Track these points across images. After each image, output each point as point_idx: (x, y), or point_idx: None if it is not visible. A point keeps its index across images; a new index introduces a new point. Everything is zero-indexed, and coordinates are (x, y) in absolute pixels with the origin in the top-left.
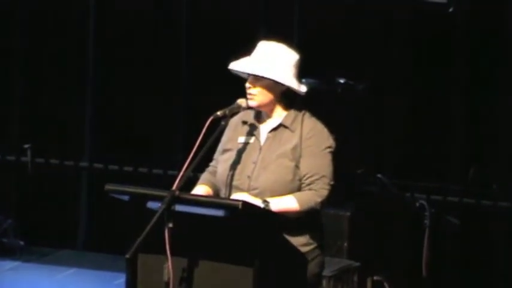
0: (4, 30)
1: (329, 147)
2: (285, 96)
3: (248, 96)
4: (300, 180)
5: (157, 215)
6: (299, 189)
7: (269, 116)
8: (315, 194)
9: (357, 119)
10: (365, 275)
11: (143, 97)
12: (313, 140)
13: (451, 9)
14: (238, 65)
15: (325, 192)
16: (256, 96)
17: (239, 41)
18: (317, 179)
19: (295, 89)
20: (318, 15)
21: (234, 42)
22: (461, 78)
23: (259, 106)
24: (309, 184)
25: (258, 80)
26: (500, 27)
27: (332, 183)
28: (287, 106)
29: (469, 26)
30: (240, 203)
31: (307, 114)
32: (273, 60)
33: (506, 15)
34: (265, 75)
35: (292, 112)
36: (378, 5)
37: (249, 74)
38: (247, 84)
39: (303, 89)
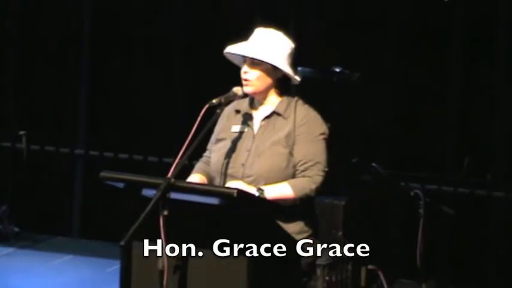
0: None
1: (322, 133)
2: (280, 84)
3: (244, 83)
4: (294, 167)
5: (152, 202)
6: (293, 176)
7: (262, 103)
8: (310, 180)
9: (352, 108)
10: (359, 263)
11: (139, 84)
12: (306, 127)
13: (446, 0)
14: (236, 49)
15: (319, 179)
16: (252, 82)
17: (236, 28)
18: (311, 166)
19: (291, 76)
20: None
21: (231, 29)
22: (456, 68)
23: (254, 93)
24: (303, 171)
25: (256, 64)
26: (496, 18)
27: (326, 169)
28: (280, 94)
29: (465, 16)
30: (235, 191)
31: (300, 102)
32: (271, 46)
33: (502, 6)
34: (265, 60)
35: (285, 99)
36: None
37: (245, 59)
38: (245, 69)
39: (297, 77)
